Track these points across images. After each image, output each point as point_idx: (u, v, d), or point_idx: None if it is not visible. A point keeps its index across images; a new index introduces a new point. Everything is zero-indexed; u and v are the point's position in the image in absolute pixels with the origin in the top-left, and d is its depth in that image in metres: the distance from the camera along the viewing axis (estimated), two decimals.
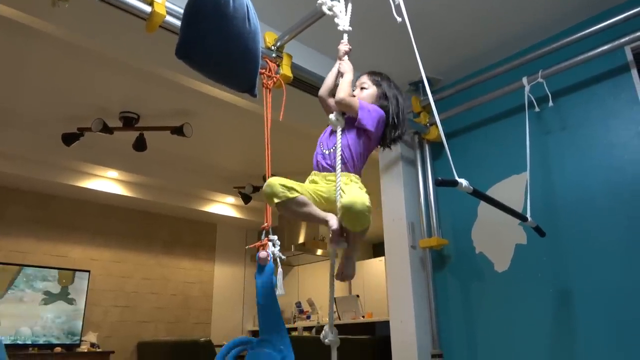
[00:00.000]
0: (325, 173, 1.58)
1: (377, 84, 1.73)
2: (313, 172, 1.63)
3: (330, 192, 1.53)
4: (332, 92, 1.75)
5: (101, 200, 5.36)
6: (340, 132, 1.59)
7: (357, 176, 1.58)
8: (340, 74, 1.72)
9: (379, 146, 1.74)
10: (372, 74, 1.77)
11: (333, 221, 1.47)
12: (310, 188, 1.55)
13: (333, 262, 1.61)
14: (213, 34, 1.45)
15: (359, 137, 1.62)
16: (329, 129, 1.70)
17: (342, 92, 1.60)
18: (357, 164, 1.61)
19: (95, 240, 5.36)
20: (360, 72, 1.79)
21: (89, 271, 5.10)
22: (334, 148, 1.58)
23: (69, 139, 4.03)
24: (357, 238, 1.55)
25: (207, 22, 1.44)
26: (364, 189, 1.53)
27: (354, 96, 1.65)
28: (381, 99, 1.70)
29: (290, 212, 1.52)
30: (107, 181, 5.05)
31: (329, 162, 1.59)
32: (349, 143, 1.59)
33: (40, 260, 4.88)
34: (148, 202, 5.48)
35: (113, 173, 4.95)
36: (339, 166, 1.53)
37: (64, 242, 5.13)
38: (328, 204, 1.53)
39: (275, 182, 1.47)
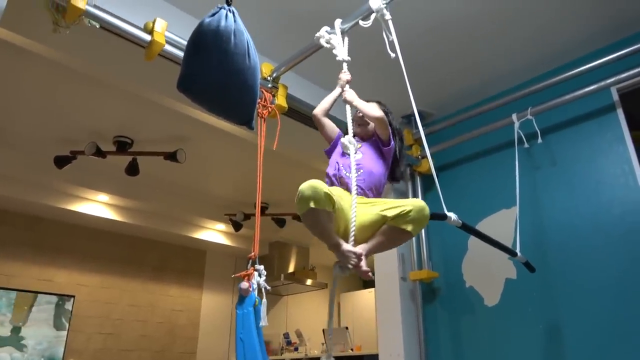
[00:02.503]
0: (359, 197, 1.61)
1: (385, 113, 1.84)
2: (338, 188, 1.65)
3: (358, 211, 1.54)
4: (326, 114, 1.91)
5: (90, 224, 5.30)
6: (353, 155, 1.65)
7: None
8: (347, 102, 1.80)
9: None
10: (380, 103, 1.91)
11: (346, 248, 1.49)
12: (340, 198, 1.55)
13: (335, 286, 1.63)
14: (214, 69, 1.49)
15: (381, 158, 1.76)
16: (336, 153, 1.76)
17: (377, 111, 1.73)
18: (381, 188, 1.72)
19: (83, 265, 5.26)
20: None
21: (73, 296, 5.00)
22: (361, 171, 1.66)
23: (61, 161, 4.02)
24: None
25: (208, 57, 1.48)
26: None
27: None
28: (389, 126, 1.80)
29: (314, 223, 1.49)
30: (97, 205, 5.01)
31: (361, 185, 1.64)
32: (373, 167, 1.71)
33: (25, 284, 4.78)
34: (138, 227, 5.42)
35: (104, 197, 4.91)
36: (354, 187, 1.56)
37: (49, 266, 5.03)
38: (342, 222, 1.55)
39: (320, 188, 1.41)
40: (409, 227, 1.49)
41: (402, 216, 1.49)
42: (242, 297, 1.68)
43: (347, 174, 1.63)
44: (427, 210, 1.50)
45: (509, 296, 2.79)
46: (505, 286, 2.83)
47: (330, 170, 1.74)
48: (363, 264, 1.50)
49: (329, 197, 1.43)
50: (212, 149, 4.24)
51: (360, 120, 1.84)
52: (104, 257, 5.43)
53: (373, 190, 1.67)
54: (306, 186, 1.41)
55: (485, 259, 2.91)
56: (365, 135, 1.85)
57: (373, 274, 1.55)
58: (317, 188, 1.40)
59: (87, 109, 3.63)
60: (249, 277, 1.71)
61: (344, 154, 1.72)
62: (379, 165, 1.74)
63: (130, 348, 5.38)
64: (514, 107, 2.85)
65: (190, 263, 6.22)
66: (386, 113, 1.84)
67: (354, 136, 1.74)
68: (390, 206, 1.53)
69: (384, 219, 1.53)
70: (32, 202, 4.62)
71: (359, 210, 1.53)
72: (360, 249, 1.52)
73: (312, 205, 1.40)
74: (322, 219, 1.46)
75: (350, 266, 1.49)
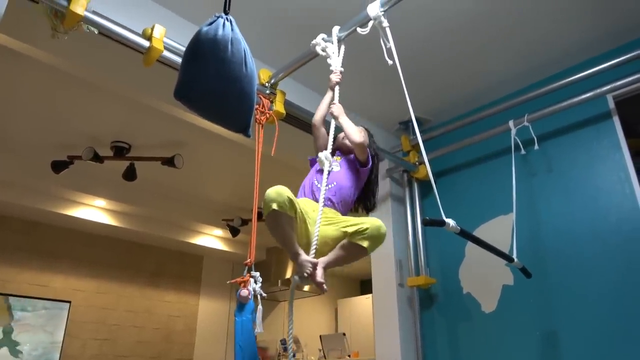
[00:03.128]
0: (327, 208, 1.69)
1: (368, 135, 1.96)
2: (307, 199, 1.73)
3: (322, 224, 1.61)
4: (324, 121, 1.95)
5: (87, 229, 5.28)
6: (327, 171, 1.68)
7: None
8: (333, 116, 1.84)
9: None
10: (365, 128, 1.99)
11: (304, 257, 1.56)
12: (303, 208, 1.63)
13: (292, 296, 1.69)
14: (211, 77, 1.50)
15: (355, 175, 1.82)
16: (317, 165, 1.78)
17: (358, 136, 1.78)
18: (350, 204, 1.82)
19: (79, 270, 5.24)
20: (353, 112, 1.89)
21: (69, 302, 4.97)
22: (334, 184, 1.75)
23: (58, 166, 4.01)
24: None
25: (206, 65, 1.49)
26: None
27: (362, 130, 1.86)
28: (368, 147, 1.89)
29: (275, 225, 1.57)
30: (94, 210, 4.99)
31: (332, 199, 1.73)
32: (346, 183, 1.79)
33: (20, 289, 4.76)
34: (135, 232, 5.41)
35: (101, 202, 4.90)
36: (322, 201, 1.63)
37: (45, 271, 5.00)
38: (305, 233, 1.63)
39: (285, 193, 1.52)
40: (365, 244, 1.58)
41: (359, 233, 1.59)
42: (241, 304, 1.68)
43: (319, 186, 1.70)
44: (383, 229, 1.60)
45: (506, 303, 2.79)
46: (502, 293, 2.83)
47: (306, 181, 1.83)
48: (319, 274, 1.57)
49: (291, 203, 1.53)
50: (210, 154, 4.24)
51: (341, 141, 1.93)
52: (100, 263, 5.40)
53: (342, 204, 1.77)
54: (272, 190, 1.53)
55: (482, 265, 2.92)
56: (346, 149, 1.92)
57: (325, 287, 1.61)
58: (281, 193, 1.52)
59: (85, 114, 3.63)
60: (244, 283, 1.71)
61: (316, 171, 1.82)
62: (352, 181, 1.83)
63: (126, 354, 5.35)
64: (510, 114, 2.86)
65: (187, 268, 6.20)
66: (367, 134, 1.96)
67: (335, 150, 1.82)
68: (350, 223, 1.63)
69: (344, 235, 1.63)
70: (29, 207, 4.61)
71: (323, 225, 1.61)
72: (319, 260, 1.59)
73: (274, 207, 1.50)
74: (283, 223, 1.55)
75: (305, 274, 1.55)
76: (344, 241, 1.63)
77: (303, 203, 1.67)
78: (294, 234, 1.60)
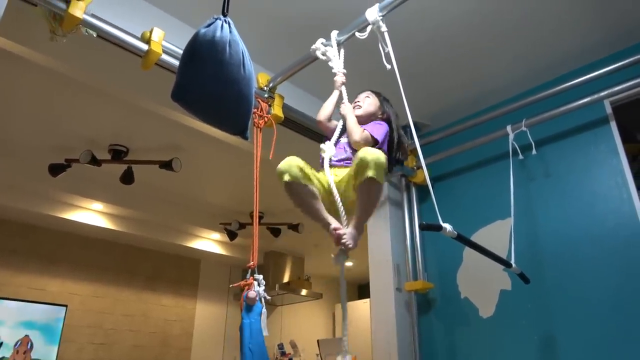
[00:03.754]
0: (334, 169, 1.68)
1: (376, 94, 1.92)
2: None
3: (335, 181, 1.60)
4: (330, 118, 1.93)
5: (84, 233, 5.27)
6: (328, 160, 1.68)
7: None
8: (342, 116, 1.83)
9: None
10: (376, 94, 1.95)
11: (335, 224, 1.54)
12: (321, 179, 1.63)
13: (342, 275, 1.60)
14: (209, 79, 1.50)
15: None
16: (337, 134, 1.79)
17: (356, 135, 1.73)
18: None
19: (75, 274, 5.22)
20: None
21: (66, 306, 4.95)
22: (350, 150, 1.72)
23: (55, 169, 4.00)
24: (365, 204, 1.56)
25: (203, 67, 1.48)
26: None
27: (363, 131, 1.77)
28: (383, 106, 1.89)
29: (296, 197, 1.57)
30: (91, 213, 4.98)
31: (338, 158, 1.71)
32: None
33: (17, 292, 4.73)
34: (132, 236, 5.39)
35: (98, 205, 4.89)
36: (327, 164, 1.64)
37: (42, 275, 4.98)
38: (330, 200, 1.60)
39: (294, 162, 1.53)
40: (370, 173, 1.47)
41: (358, 168, 1.50)
42: (249, 306, 1.67)
43: (337, 158, 1.70)
44: (371, 150, 1.50)
45: (504, 308, 2.79)
46: (500, 297, 2.82)
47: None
48: (347, 236, 1.52)
49: (303, 172, 1.53)
50: (208, 158, 4.23)
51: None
52: (97, 266, 5.39)
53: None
54: (282, 163, 1.56)
55: (480, 270, 2.91)
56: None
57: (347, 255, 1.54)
58: (291, 163, 1.54)
59: (83, 117, 3.63)
60: (249, 286, 1.71)
61: (338, 142, 1.78)
62: None
63: (122, 359, 5.32)
64: (508, 118, 2.87)
65: (184, 272, 6.18)
66: (378, 94, 1.93)
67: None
68: (352, 166, 1.58)
69: (352, 180, 1.56)
70: (26, 210, 4.60)
71: (345, 186, 1.59)
72: (346, 225, 1.55)
73: (286, 178, 1.52)
74: (302, 193, 1.55)
75: (342, 246, 1.52)
76: (357, 187, 1.55)
77: (316, 172, 1.65)
78: (318, 203, 1.58)
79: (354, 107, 1.87)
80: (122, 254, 5.65)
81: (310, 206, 1.57)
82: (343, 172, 1.64)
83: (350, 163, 1.64)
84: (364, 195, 1.54)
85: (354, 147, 1.75)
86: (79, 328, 5.08)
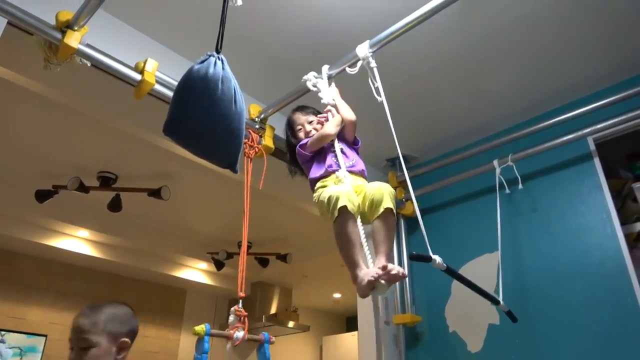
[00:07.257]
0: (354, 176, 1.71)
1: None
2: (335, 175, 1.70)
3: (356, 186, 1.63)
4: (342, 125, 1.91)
5: (67, 260, 5.16)
6: (349, 184, 1.66)
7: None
8: (333, 103, 1.95)
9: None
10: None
11: (383, 262, 1.46)
12: (353, 198, 1.56)
13: (377, 310, 1.60)
14: (201, 114, 1.52)
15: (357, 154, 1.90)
16: (330, 154, 1.80)
17: (353, 115, 1.88)
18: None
19: (56, 303, 5.08)
20: None
21: (45, 335, 4.81)
22: (354, 160, 1.79)
23: (42, 195, 3.96)
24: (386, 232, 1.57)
25: (196, 103, 1.51)
26: None
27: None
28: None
29: (343, 232, 1.49)
30: (76, 240, 4.90)
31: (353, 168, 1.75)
32: (357, 158, 1.83)
33: None
34: (117, 264, 5.29)
35: (84, 232, 4.82)
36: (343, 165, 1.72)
37: (22, 303, 4.85)
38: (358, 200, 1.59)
39: (348, 189, 1.54)
40: (389, 204, 1.54)
41: (377, 198, 1.54)
42: (200, 340, 1.67)
43: (342, 163, 1.70)
44: (381, 184, 1.58)
45: (492, 342, 2.77)
46: (488, 332, 2.80)
47: (319, 171, 1.77)
48: (390, 267, 1.41)
49: (354, 202, 1.51)
50: (197, 186, 4.22)
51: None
52: (79, 295, 5.26)
53: (364, 174, 1.78)
54: (334, 187, 1.57)
55: (468, 303, 2.90)
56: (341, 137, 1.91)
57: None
58: (345, 190, 1.53)
59: (73, 144, 3.62)
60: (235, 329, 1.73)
61: (331, 153, 1.79)
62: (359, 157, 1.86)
63: None
64: (495, 153, 2.92)
65: (169, 303, 6.06)
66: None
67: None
68: (361, 197, 1.61)
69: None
70: (9, 236, 4.51)
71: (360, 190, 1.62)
72: (381, 262, 1.48)
73: (342, 203, 1.47)
74: (351, 225, 1.49)
75: (382, 282, 1.40)
76: (374, 223, 1.56)
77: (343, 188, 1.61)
78: (358, 247, 1.51)
79: (319, 122, 1.95)
80: (107, 283, 5.53)
81: (356, 241, 1.50)
82: (356, 181, 1.69)
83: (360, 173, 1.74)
84: (388, 225, 1.57)
85: (349, 127, 1.86)
86: (58, 359, 4.91)
